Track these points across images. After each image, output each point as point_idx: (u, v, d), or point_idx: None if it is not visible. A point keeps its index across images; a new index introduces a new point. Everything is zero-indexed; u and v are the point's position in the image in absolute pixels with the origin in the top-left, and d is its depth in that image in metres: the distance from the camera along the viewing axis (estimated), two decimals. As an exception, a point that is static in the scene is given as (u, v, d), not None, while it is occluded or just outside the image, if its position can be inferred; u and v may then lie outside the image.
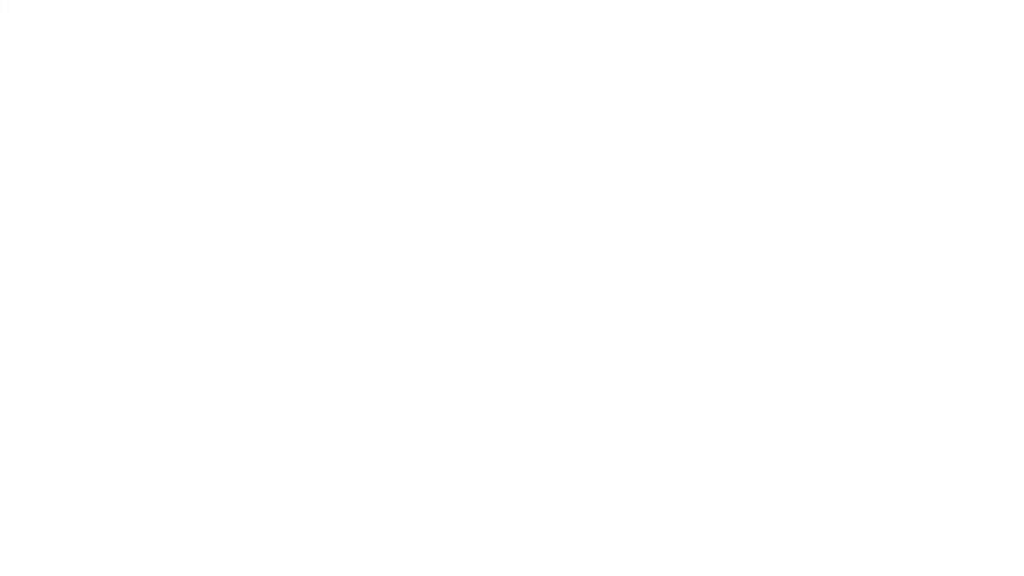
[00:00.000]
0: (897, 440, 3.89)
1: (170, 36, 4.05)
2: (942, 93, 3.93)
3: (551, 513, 3.94)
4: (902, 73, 3.94)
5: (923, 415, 3.88)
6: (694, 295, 3.95)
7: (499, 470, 3.96)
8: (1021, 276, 3.87)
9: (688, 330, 3.95)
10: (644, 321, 3.96)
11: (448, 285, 3.99)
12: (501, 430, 3.96)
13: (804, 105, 3.95)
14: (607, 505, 3.93)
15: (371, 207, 4.02)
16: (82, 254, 4.03)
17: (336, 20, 4.04)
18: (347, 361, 4.00)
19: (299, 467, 3.98)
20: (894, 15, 3.93)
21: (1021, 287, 3.87)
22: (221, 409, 4.00)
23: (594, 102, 3.99)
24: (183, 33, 4.05)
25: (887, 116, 3.93)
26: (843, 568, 3.87)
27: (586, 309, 3.97)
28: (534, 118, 4.00)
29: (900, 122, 3.93)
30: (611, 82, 3.99)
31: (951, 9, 3.92)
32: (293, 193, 4.03)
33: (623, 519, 3.92)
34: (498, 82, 4.01)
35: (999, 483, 3.85)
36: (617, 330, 3.96)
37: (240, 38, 4.04)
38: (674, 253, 3.96)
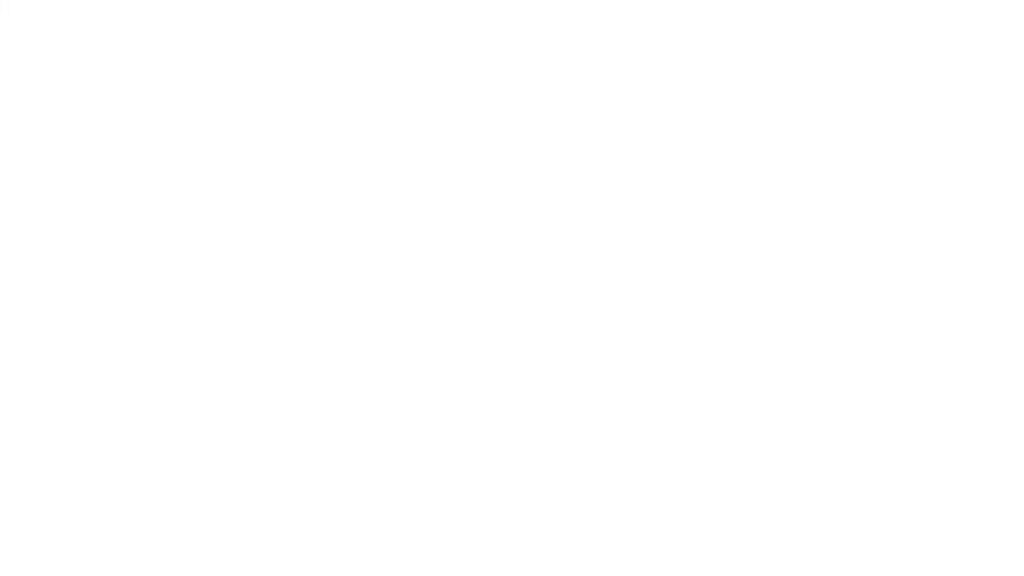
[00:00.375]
0: (897, 440, 3.89)
1: (170, 36, 4.05)
2: (942, 93, 3.93)
3: (551, 513, 3.94)
4: (902, 73, 3.94)
5: (923, 415, 3.88)
6: (694, 295, 3.95)
7: (499, 470, 3.96)
8: (1021, 276, 3.87)
9: (688, 330, 3.95)
10: (644, 321, 3.96)
11: (448, 285, 3.99)
12: (501, 430, 3.97)
13: (804, 105, 3.95)
14: (607, 505, 3.93)
15: (371, 207, 4.02)
16: (82, 254, 4.03)
17: (336, 20, 4.04)
18: (347, 361, 4.00)
19: (299, 467, 3.98)
20: (894, 15, 3.93)
21: (1021, 287, 3.87)
22: (221, 409, 4.00)
23: (594, 102, 3.99)
24: (183, 33, 4.05)
25: (887, 116, 3.93)
26: (843, 568, 3.87)
27: (586, 309, 3.97)
28: (534, 118, 4.00)
29: (900, 122, 3.93)
30: (611, 82, 3.99)
31: (951, 9, 3.92)
32: (293, 193, 4.03)
33: (623, 519, 3.92)
34: (498, 82, 4.01)
35: (999, 483, 3.85)
36: (617, 330, 3.96)
37: (240, 38, 4.04)
38: (674, 253, 3.96)
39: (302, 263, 4.01)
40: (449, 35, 4.02)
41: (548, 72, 4.00)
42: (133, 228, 4.04)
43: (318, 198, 4.02)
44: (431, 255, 4.00)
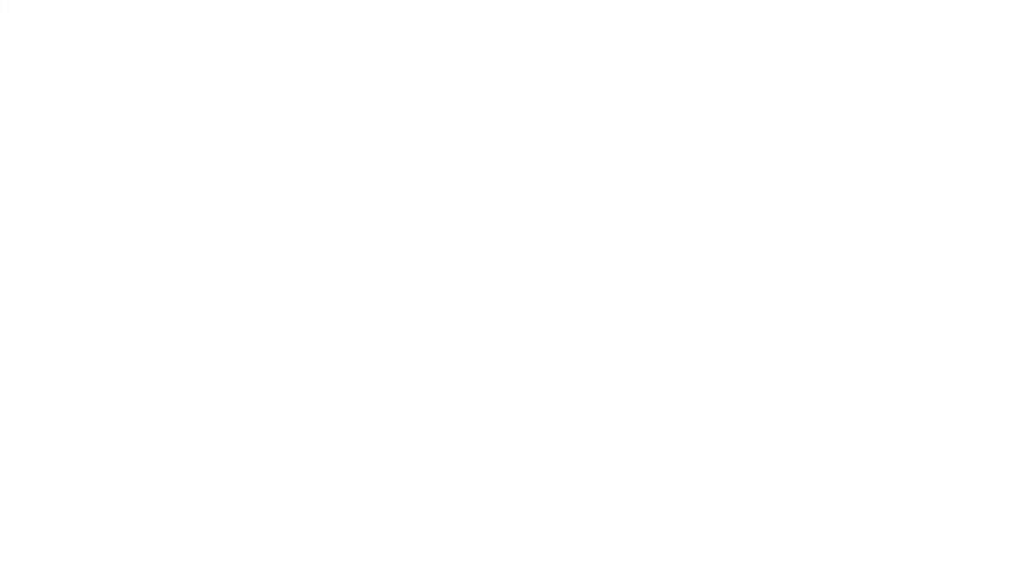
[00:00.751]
0: (897, 440, 3.89)
1: (170, 36, 4.05)
2: (942, 93, 3.93)
3: (550, 513, 3.94)
4: (902, 73, 3.94)
5: (923, 415, 3.88)
6: (694, 295, 3.95)
7: (499, 470, 3.96)
8: (1021, 276, 3.87)
9: (688, 330, 3.95)
10: (644, 321, 3.96)
11: (448, 285, 3.99)
12: (501, 430, 3.97)
13: (804, 105, 3.95)
14: (607, 505, 3.93)
15: (371, 207, 4.02)
16: (82, 254, 4.03)
17: (336, 20, 4.04)
18: (347, 361, 4.00)
19: (299, 467, 3.98)
20: (894, 15, 3.93)
21: (1021, 287, 3.87)
22: (221, 409, 4.00)
23: (594, 102, 3.99)
24: (183, 33, 4.05)
25: (887, 116, 3.93)
26: (843, 568, 3.87)
27: (586, 309, 3.97)
28: (534, 118, 4.00)
29: (900, 122, 3.93)
30: (611, 82, 3.99)
31: (951, 9, 3.92)
32: (293, 193, 4.03)
33: (623, 519, 3.92)
34: (498, 82, 4.01)
35: (999, 483, 3.85)
36: (617, 330, 3.96)
37: (240, 38, 4.04)
38: (674, 253, 3.96)
39: (302, 263, 4.01)
40: (449, 35, 4.02)
41: (548, 72, 4.00)
42: (133, 227, 4.04)
43: (318, 198, 4.02)
44: (431, 255, 4.00)
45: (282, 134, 4.03)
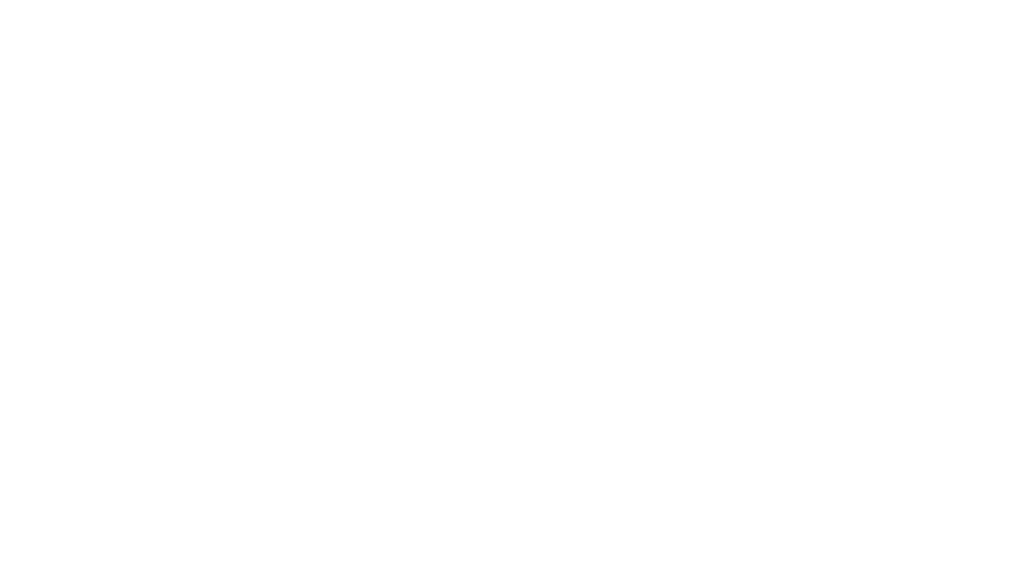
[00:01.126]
0: (897, 439, 3.90)
1: (170, 36, 4.06)
2: (942, 93, 3.94)
3: (549, 512, 3.95)
4: (901, 73, 3.95)
5: (923, 415, 3.89)
6: (694, 294, 3.96)
7: (499, 469, 3.97)
8: (1021, 276, 3.88)
9: (687, 329, 3.96)
10: (643, 320, 3.97)
11: (447, 284, 4.00)
12: (500, 429, 3.98)
13: (803, 105, 3.96)
14: (607, 505, 3.94)
15: (371, 206, 4.03)
16: (81, 253, 4.04)
17: (336, 20, 4.05)
18: (347, 360, 4.00)
19: (299, 467, 3.99)
20: (894, 15, 3.94)
21: (1020, 287, 3.88)
22: (221, 409, 4.01)
23: (594, 102, 4.00)
24: (183, 33, 4.06)
25: (886, 116, 3.94)
26: (843, 568, 3.88)
27: (585, 308, 3.98)
28: (534, 118, 4.01)
29: (899, 122, 3.94)
30: (611, 82, 4.00)
31: (951, 9, 3.93)
32: (293, 193, 4.04)
33: (622, 519, 3.93)
34: (498, 82, 4.02)
35: (999, 483, 3.86)
36: (616, 329, 3.97)
37: (240, 38, 4.05)
38: (674, 252, 3.97)
39: (301, 262, 4.02)
40: (449, 35, 4.03)
41: (548, 72, 4.01)
42: (132, 226, 4.05)
43: (317, 198, 4.03)
44: (430, 254, 4.01)
45: (281, 134, 4.04)
